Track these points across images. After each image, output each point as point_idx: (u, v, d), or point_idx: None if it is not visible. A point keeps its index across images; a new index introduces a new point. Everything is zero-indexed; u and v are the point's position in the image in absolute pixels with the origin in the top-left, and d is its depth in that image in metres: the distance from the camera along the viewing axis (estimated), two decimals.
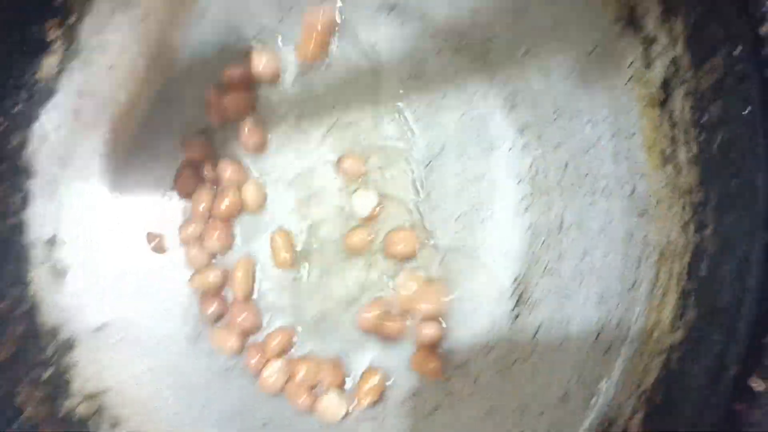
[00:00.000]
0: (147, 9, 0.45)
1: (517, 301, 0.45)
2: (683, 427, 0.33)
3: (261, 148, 0.49)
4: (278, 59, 0.48)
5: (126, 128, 0.49)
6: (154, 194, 0.51)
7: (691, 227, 0.36)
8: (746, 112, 0.31)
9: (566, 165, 0.44)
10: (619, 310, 0.40)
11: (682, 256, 0.37)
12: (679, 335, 0.36)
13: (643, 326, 0.39)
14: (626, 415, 0.37)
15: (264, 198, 0.49)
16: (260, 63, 0.48)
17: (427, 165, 0.47)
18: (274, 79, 0.48)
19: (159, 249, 0.51)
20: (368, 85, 0.48)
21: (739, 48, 0.31)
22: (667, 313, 0.37)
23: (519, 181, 0.45)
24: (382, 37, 0.48)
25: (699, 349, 0.34)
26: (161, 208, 0.51)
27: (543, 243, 0.45)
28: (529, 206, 0.45)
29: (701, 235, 0.35)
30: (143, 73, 0.47)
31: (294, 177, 0.49)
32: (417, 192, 0.48)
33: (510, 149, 0.45)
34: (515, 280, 0.45)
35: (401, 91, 0.48)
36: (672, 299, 0.37)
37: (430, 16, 0.47)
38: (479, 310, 0.46)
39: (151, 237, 0.51)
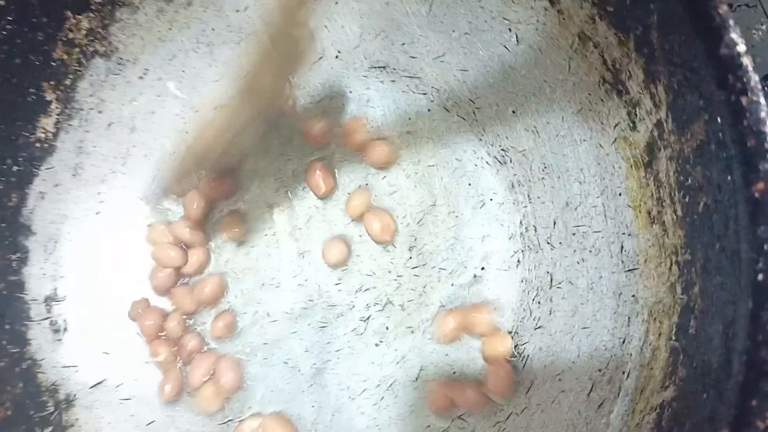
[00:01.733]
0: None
1: (511, 356, 0.46)
2: None
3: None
4: None
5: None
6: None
7: (679, 287, 0.37)
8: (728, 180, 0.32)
9: (555, 222, 0.44)
10: (610, 366, 0.41)
11: (671, 314, 0.37)
12: (670, 393, 0.36)
13: (635, 382, 0.39)
14: None
15: None
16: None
17: (419, 221, 0.47)
18: None
19: (138, 317, 0.52)
20: None
21: (719, 118, 0.32)
22: (658, 370, 0.38)
23: (510, 237, 0.46)
24: (374, 94, 0.49)
25: (690, 408, 0.34)
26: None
27: (534, 299, 0.45)
28: (520, 261, 0.46)
29: (688, 295, 0.36)
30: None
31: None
32: (410, 248, 0.48)
33: (501, 205, 0.46)
34: (508, 333, 0.46)
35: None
36: (662, 357, 0.37)
37: (419, 75, 0.48)
38: (474, 363, 0.46)
39: (135, 305, 0.51)
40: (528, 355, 0.45)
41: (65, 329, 0.51)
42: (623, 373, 0.39)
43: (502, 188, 0.46)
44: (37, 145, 0.51)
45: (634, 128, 0.39)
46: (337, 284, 0.50)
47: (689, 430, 0.34)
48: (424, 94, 0.48)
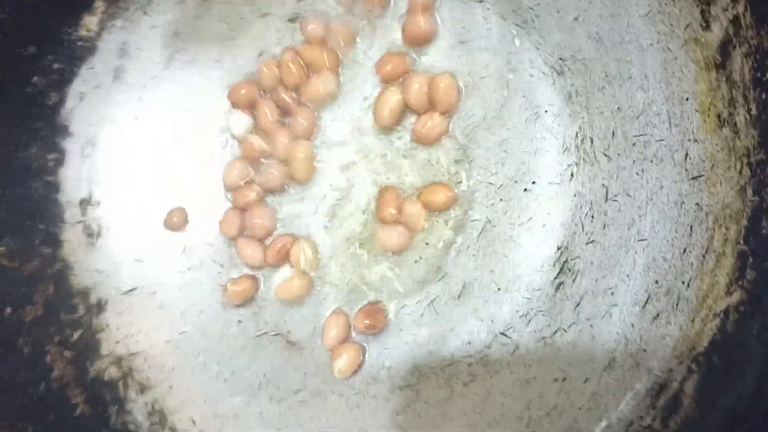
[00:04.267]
0: None
1: (560, 270, 0.44)
2: (745, 388, 0.32)
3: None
4: None
5: None
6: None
7: (750, 189, 0.35)
8: None
9: (614, 133, 0.43)
10: (669, 277, 0.39)
11: (739, 219, 0.36)
12: (735, 298, 0.35)
13: (695, 292, 0.38)
14: (678, 379, 0.36)
15: None
16: None
17: (468, 134, 0.46)
18: None
19: (175, 227, 0.50)
20: None
21: None
22: (723, 276, 0.36)
23: (564, 150, 0.45)
24: None
25: (759, 310, 0.33)
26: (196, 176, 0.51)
27: (587, 213, 0.44)
28: (573, 175, 0.44)
29: (761, 196, 0.34)
30: None
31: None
32: (456, 162, 0.47)
33: (556, 117, 0.45)
34: (558, 249, 0.45)
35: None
36: (728, 263, 0.36)
37: None
38: (521, 279, 0.45)
39: (171, 214, 0.50)
40: (578, 270, 0.43)
41: (99, 234, 0.50)
42: (683, 283, 0.38)
43: (559, 99, 0.45)
44: (80, 43, 0.50)
45: (707, 27, 0.37)
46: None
47: (758, 331, 0.33)
48: (480, 1, 0.46)
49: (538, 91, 0.46)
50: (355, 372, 0.46)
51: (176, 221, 0.50)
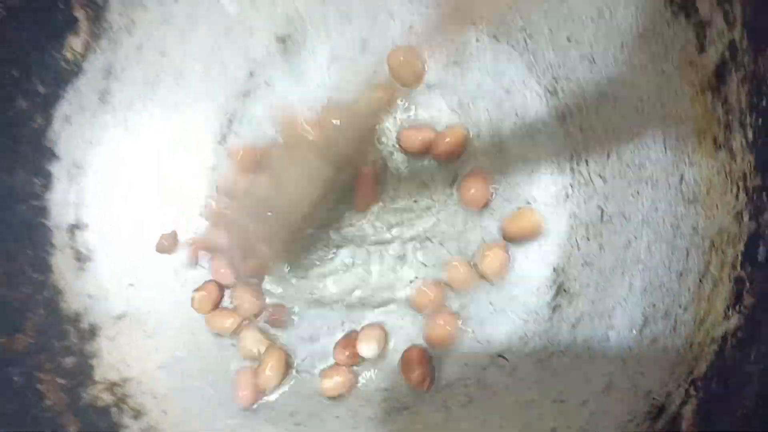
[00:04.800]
0: None
1: (556, 292, 0.44)
2: (743, 413, 0.32)
3: None
4: None
5: None
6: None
7: (746, 214, 0.35)
8: None
9: (609, 154, 0.43)
10: (666, 300, 0.39)
11: (736, 243, 0.36)
12: (733, 323, 0.35)
13: (693, 316, 0.38)
14: (677, 402, 0.36)
15: None
16: None
17: (461, 155, 0.46)
18: None
19: (166, 250, 0.50)
20: None
21: None
22: (720, 301, 0.36)
23: (559, 170, 0.45)
24: (417, 20, 0.47)
25: (757, 335, 0.33)
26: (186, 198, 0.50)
27: (583, 234, 0.44)
28: (568, 196, 0.44)
29: (757, 222, 0.34)
30: None
31: None
32: (451, 183, 0.47)
33: (550, 137, 0.44)
34: (554, 270, 0.44)
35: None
36: (725, 288, 0.36)
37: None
38: (516, 300, 0.45)
39: (162, 238, 0.50)
40: (575, 292, 0.43)
41: (89, 258, 0.50)
42: (680, 306, 0.38)
43: (552, 119, 0.45)
44: (65, 65, 0.49)
45: (702, 51, 0.37)
46: (372, 219, 0.48)
47: (756, 358, 0.33)
48: (473, 23, 0.46)
49: (532, 111, 0.45)
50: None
51: (167, 244, 0.50)
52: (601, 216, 0.43)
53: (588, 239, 0.43)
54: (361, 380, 0.47)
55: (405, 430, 0.45)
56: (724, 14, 0.35)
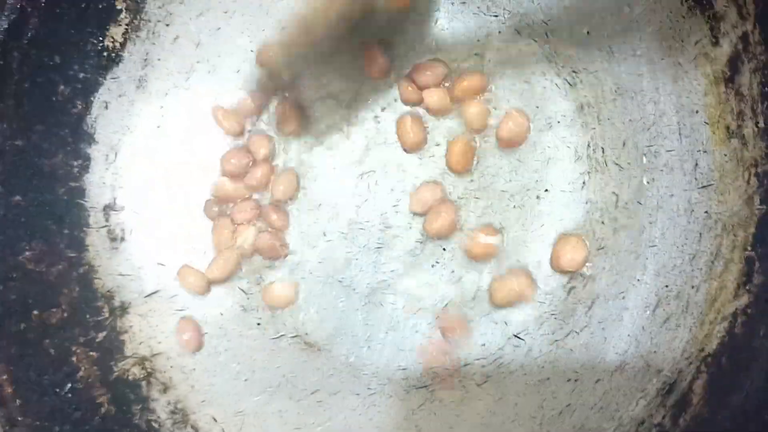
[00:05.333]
0: None
1: (572, 275, 0.46)
2: (753, 387, 0.34)
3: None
4: None
5: None
6: None
7: (757, 198, 0.37)
8: None
9: (625, 143, 0.45)
10: (678, 282, 0.41)
11: (747, 226, 0.37)
12: (744, 300, 0.36)
13: (704, 295, 0.39)
14: (688, 379, 0.38)
15: None
16: None
17: (482, 144, 0.48)
18: None
19: (213, 215, 0.52)
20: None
21: None
22: (731, 281, 0.38)
23: (577, 159, 0.46)
24: (443, 15, 0.49)
25: (765, 312, 0.35)
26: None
27: (598, 219, 0.45)
28: (585, 183, 0.46)
29: (767, 205, 0.36)
30: None
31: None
32: (471, 170, 0.49)
33: (568, 127, 0.46)
34: None
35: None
36: (736, 268, 0.38)
37: None
38: (534, 283, 0.46)
39: (210, 202, 0.52)
40: (590, 275, 0.45)
41: (122, 238, 0.51)
42: (692, 287, 0.39)
43: (571, 110, 0.46)
44: (105, 53, 0.51)
45: (716, 43, 0.39)
46: (395, 206, 0.50)
47: (765, 334, 0.34)
48: (496, 16, 0.48)
49: (551, 101, 0.47)
50: None
51: (216, 210, 0.52)
52: (617, 202, 0.45)
53: (603, 224, 0.45)
54: (381, 360, 0.48)
55: (423, 407, 0.47)
56: (737, 7, 0.37)
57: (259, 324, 0.51)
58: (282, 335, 0.50)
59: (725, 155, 0.39)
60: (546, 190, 0.47)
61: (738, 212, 0.38)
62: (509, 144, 0.47)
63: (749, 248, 0.37)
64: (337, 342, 0.49)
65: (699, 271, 0.40)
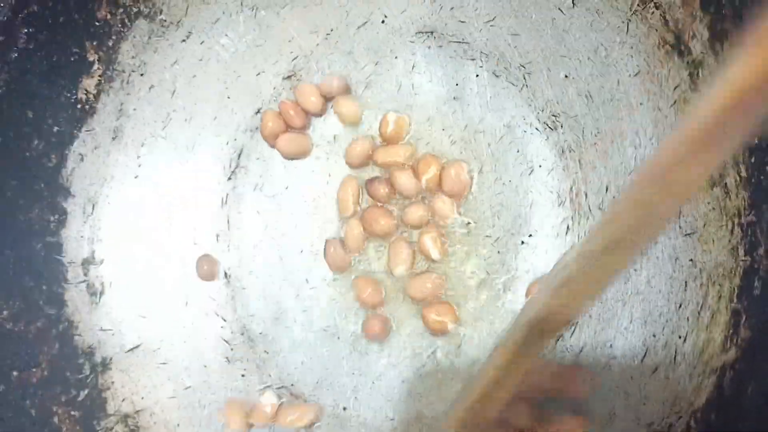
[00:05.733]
0: None
1: None
2: None
3: None
4: None
5: None
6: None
7: (741, 249, 0.36)
8: None
9: (607, 187, 0.44)
10: (665, 331, 0.40)
11: (732, 277, 0.37)
12: (732, 355, 0.36)
13: (692, 346, 0.39)
14: None
15: None
16: None
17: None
18: None
19: (208, 276, 0.51)
20: (407, 106, 0.49)
21: None
22: (718, 333, 0.37)
23: (560, 203, 0.46)
24: (419, 59, 0.49)
25: (754, 368, 0.34)
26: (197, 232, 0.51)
27: None
28: (569, 228, 0.45)
29: (752, 257, 0.35)
30: None
31: None
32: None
33: (550, 171, 0.46)
34: None
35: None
36: (723, 319, 0.37)
37: (468, 40, 0.48)
38: None
39: (203, 261, 0.51)
40: (577, 322, 0.44)
41: (102, 292, 0.51)
42: (680, 337, 0.39)
43: (552, 154, 0.46)
44: (78, 106, 0.50)
45: (696, 89, 0.38)
46: (378, 250, 0.49)
47: (753, 392, 0.34)
48: (473, 59, 0.47)
49: (532, 146, 0.47)
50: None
51: (207, 269, 0.51)
52: None
53: None
54: (368, 411, 0.48)
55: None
56: (715, 54, 0.37)
57: (243, 375, 0.50)
58: (267, 386, 0.49)
59: (708, 204, 0.39)
60: (530, 235, 0.46)
61: (723, 263, 0.38)
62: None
63: (735, 300, 0.37)
64: (323, 392, 0.49)
65: (686, 321, 0.39)
